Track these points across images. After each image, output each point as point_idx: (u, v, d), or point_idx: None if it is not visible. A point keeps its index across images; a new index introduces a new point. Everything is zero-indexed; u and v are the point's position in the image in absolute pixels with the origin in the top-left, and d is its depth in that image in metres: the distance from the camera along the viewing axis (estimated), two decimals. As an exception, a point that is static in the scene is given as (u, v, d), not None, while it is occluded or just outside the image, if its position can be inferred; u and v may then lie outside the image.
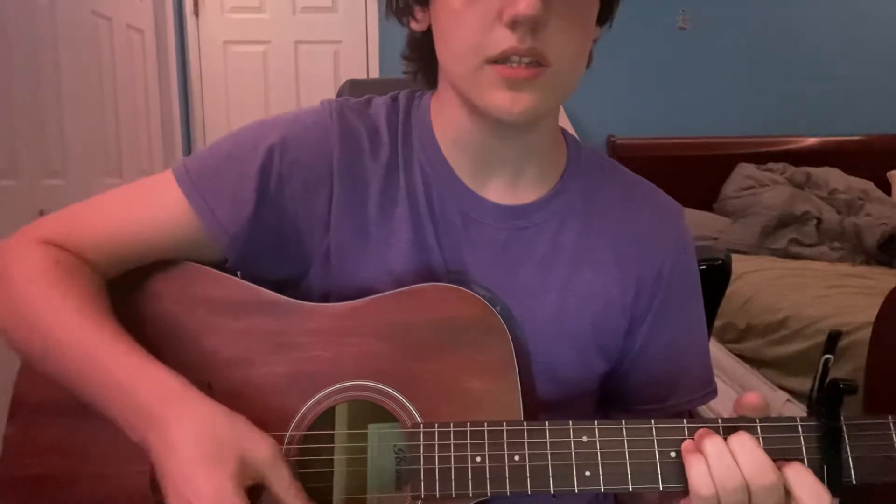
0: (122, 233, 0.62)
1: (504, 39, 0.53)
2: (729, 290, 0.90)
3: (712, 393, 0.69)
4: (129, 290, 0.62)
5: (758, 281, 1.93)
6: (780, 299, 1.74)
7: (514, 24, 0.52)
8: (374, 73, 3.10)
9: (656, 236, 0.66)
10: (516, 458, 0.52)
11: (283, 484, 0.50)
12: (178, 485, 0.48)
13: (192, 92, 3.15)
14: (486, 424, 0.53)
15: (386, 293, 0.59)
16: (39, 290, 0.56)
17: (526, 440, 0.52)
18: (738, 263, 1.89)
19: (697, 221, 2.67)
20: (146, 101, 2.80)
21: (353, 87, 1.01)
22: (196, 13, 3.11)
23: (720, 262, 0.87)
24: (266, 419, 0.54)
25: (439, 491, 0.52)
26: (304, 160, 0.61)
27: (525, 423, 0.53)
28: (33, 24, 2.06)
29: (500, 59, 0.54)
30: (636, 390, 0.68)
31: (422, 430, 0.53)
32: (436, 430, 0.53)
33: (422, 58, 0.65)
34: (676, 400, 0.67)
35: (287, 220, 0.61)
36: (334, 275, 0.62)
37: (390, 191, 0.62)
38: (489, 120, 0.59)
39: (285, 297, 0.60)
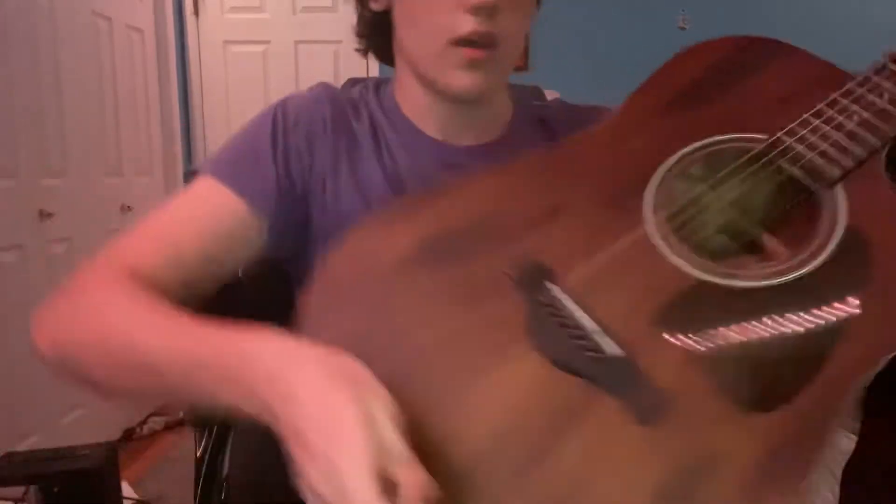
0: (184, 238, 0.63)
1: (466, 22, 0.59)
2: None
3: None
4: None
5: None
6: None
7: (475, 10, 0.58)
8: (374, 73, 3.10)
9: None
10: None
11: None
12: (318, 430, 0.39)
13: (192, 92, 3.15)
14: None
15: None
16: (123, 307, 0.56)
17: None
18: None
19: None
20: (146, 101, 2.80)
21: (354, 86, 1.01)
22: (196, 13, 3.11)
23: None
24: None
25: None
26: (304, 119, 0.67)
27: None
28: (33, 24, 2.06)
29: (462, 41, 0.60)
30: None
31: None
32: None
33: (376, 36, 0.71)
34: None
35: (303, 178, 0.66)
36: (329, 212, 0.67)
37: (377, 144, 0.68)
38: (447, 97, 0.65)
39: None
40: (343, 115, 0.69)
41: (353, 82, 0.78)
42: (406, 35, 0.65)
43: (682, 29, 3.04)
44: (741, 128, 0.55)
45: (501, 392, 0.44)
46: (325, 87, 0.71)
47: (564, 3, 2.92)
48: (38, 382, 2.06)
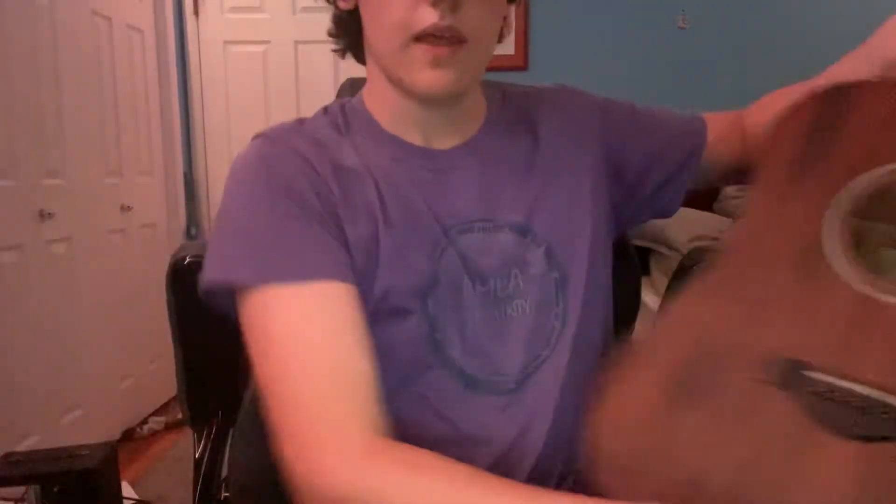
0: (338, 371, 0.54)
1: (427, 16, 0.56)
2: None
3: (700, 118, 0.81)
4: None
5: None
6: (780, 299, 1.74)
7: (435, 2, 0.56)
8: (374, 73, 3.10)
9: (575, 104, 0.75)
10: None
11: None
12: None
13: (192, 92, 3.15)
14: None
15: None
16: (436, 494, 0.49)
17: None
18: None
19: (698, 221, 2.67)
20: (146, 101, 2.80)
21: (354, 86, 1.01)
22: (196, 13, 3.11)
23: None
24: None
25: None
26: (290, 169, 0.62)
27: None
28: (33, 24, 2.06)
29: (423, 36, 0.58)
30: (667, 172, 0.76)
31: None
32: None
33: (349, 35, 0.69)
34: (696, 153, 0.77)
35: (333, 211, 0.62)
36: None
37: (364, 181, 0.63)
38: (415, 97, 0.63)
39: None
40: (316, 148, 0.64)
41: (353, 82, 0.78)
42: (371, 33, 0.63)
43: (682, 29, 3.04)
44: (873, 162, 0.57)
45: (830, 493, 0.43)
46: (270, 141, 0.64)
47: (564, 2, 2.92)
48: (38, 382, 2.06)
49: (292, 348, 0.55)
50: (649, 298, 1.82)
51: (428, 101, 0.64)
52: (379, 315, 0.60)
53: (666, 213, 0.79)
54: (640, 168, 0.75)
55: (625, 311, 0.86)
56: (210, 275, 0.58)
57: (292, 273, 0.56)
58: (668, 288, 0.92)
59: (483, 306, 0.64)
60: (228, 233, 0.60)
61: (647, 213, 0.79)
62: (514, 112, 0.72)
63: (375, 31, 0.61)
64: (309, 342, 0.55)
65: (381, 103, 0.67)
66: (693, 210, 2.70)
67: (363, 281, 0.60)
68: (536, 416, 0.64)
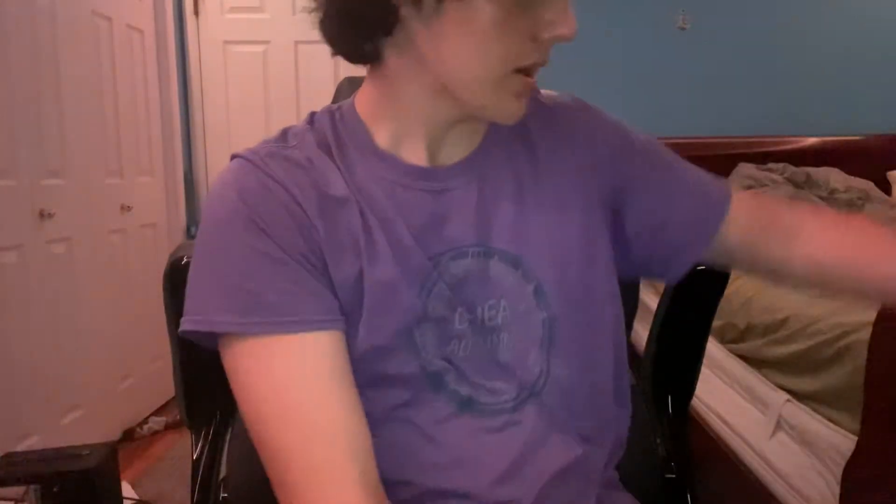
0: (336, 421, 0.54)
1: (535, 52, 0.56)
2: (729, 290, 0.90)
3: (727, 196, 0.71)
4: None
5: (758, 281, 1.93)
6: (780, 299, 1.74)
7: (544, 45, 0.56)
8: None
9: (583, 128, 0.69)
10: None
11: None
12: None
13: (192, 92, 3.15)
14: None
15: None
16: None
17: None
18: (738, 263, 1.89)
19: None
20: (146, 101, 2.80)
21: (352, 85, 1.00)
22: (196, 13, 3.11)
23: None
24: None
25: None
26: (268, 203, 0.57)
27: None
28: (33, 24, 2.06)
29: (524, 70, 0.57)
30: (673, 242, 0.70)
31: None
32: None
33: (358, 40, 0.61)
34: (710, 228, 0.69)
35: (318, 252, 0.58)
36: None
37: (350, 211, 0.59)
38: (493, 122, 0.61)
39: None
40: (300, 173, 0.60)
41: (350, 81, 0.76)
42: (458, 59, 0.56)
43: (683, 29, 3.04)
44: None
45: None
46: (250, 169, 0.59)
47: (564, 2, 2.92)
48: (38, 382, 2.06)
49: (279, 404, 0.53)
50: (649, 298, 1.82)
51: (497, 124, 0.61)
52: (365, 352, 0.58)
53: (664, 280, 0.75)
54: (639, 229, 0.70)
55: (624, 310, 0.86)
56: (190, 323, 0.56)
57: (277, 325, 0.54)
58: (668, 288, 0.92)
59: (472, 333, 0.62)
60: (207, 274, 0.56)
61: (641, 273, 0.74)
62: (515, 128, 0.67)
63: (470, 59, 0.56)
64: (297, 400, 0.53)
65: (381, 118, 0.63)
66: (693, 210, 2.69)
67: (348, 321, 0.58)
68: (536, 438, 0.62)
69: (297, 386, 0.53)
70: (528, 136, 0.67)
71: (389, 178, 0.61)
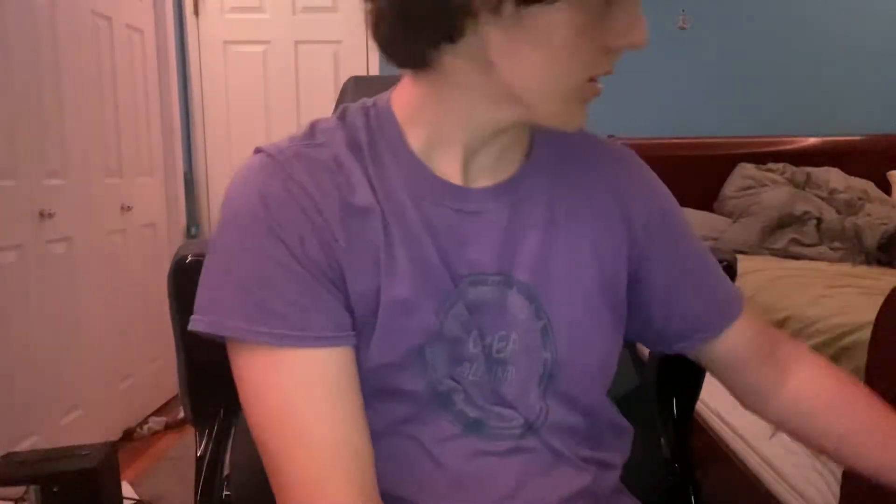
0: (340, 438, 0.53)
1: (607, 62, 0.56)
2: (729, 290, 0.90)
3: (739, 303, 0.71)
4: None
5: (758, 281, 1.93)
6: (780, 299, 1.74)
7: (614, 56, 0.56)
8: (375, 73, 3.10)
9: (629, 182, 0.69)
10: None
11: None
12: None
13: (192, 92, 3.15)
14: None
15: None
16: None
17: None
18: (739, 263, 1.89)
19: (697, 221, 2.67)
20: (146, 101, 2.80)
21: (358, 84, 1.00)
22: (196, 13, 3.11)
23: (726, 263, 0.86)
24: None
25: None
26: (292, 207, 0.56)
27: None
28: (33, 24, 2.06)
29: (593, 79, 0.56)
30: (674, 326, 0.70)
31: None
32: None
33: (419, 42, 0.58)
34: (710, 330, 0.70)
35: (337, 264, 0.57)
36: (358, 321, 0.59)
37: (373, 222, 0.58)
38: (561, 129, 0.60)
39: None
40: (325, 177, 0.58)
41: (356, 80, 0.75)
42: (532, 69, 0.55)
43: (682, 29, 3.04)
44: None
45: None
46: (273, 169, 0.57)
47: (564, 3, 2.92)
48: (38, 382, 2.06)
49: (282, 414, 0.53)
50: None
51: (562, 131, 0.60)
52: (374, 367, 0.58)
53: (647, 346, 0.75)
54: (647, 299, 0.69)
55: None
56: (200, 324, 0.55)
57: (285, 337, 0.53)
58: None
59: (484, 359, 0.61)
60: (222, 273, 0.56)
61: (631, 336, 0.73)
62: (557, 157, 0.66)
63: (548, 68, 0.55)
64: (302, 414, 0.53)
65: (419, 121, 0.61)
66: (693, 210, 2.70)
67: (361, 336, 0.57)
68: (541, 466, 0.62)
69: (301, 399, 0.53)
70: (571, 172, 0.66)
71: (420, 190, 0.60)
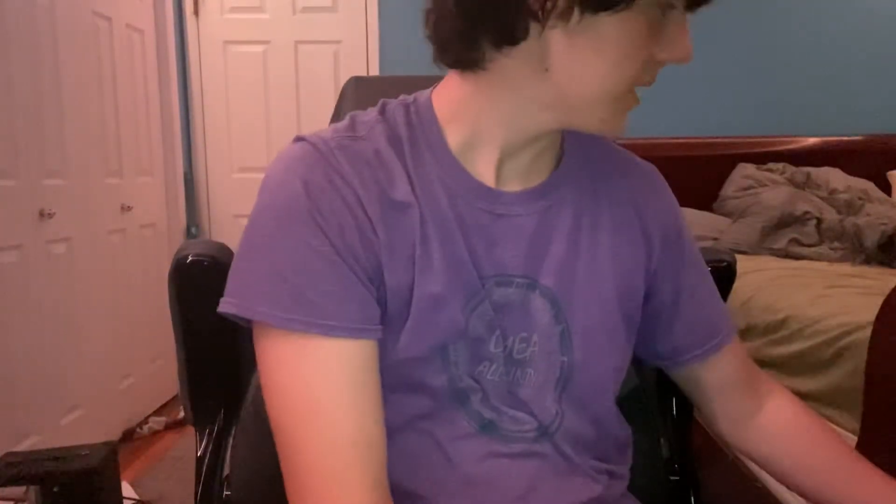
0: (358, 429, 0.54)
1: (651, 73, 0.58)
2: (729, 291, 0.90)
3: (732, 329, 0.74)
4: None
5: (758, 281, 1.93)
6: (780, 299, 1.74)
7: (656, 68, 0.58)
8: (374, 73, 3.10)
9: (651, 198, 0.70)
10: None
11: None
12: None
13: (192, 92, 3.15)
14: None
15: None
16: None
17: None
18: (738, 263, 1.89)
19: (697, 221, 2.67)
20: (146, 101, 2.80)
21: (358, 85, 1.00)
22: (196, 13, 3.11)
23: (725, 263, 0.86)
24: None
25: None
26: (335, 197, 0.56)
27: None
28: (33, 24, 2.06)
29: (635, 88, 0.58)
30: (673, 341, 0.72)
31: None
32: None
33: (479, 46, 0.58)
34: (710, 343, 0.72)
35: (375, 256, 0.58)
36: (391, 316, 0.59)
37: (411, 217, 0.59)
38: (602, 135, 0.61)
39: None
40: (367, 171, 0.58)
41: (357, 81, 0.75)
42: (588, 75, 0.56)
43: (682, 29, 3.04)
44: None
45: None
46: (315, 160, 0.57)
47: (564, 3, 2.91)
48: (38, 382, 2.06)
49: (303, 401, 0.54)
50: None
51: (607, 138, 0.62)
52: (400, 361, 0.59)
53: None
54: (658, 318, 0.71)
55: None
56: (231, 307, 0.56)
57: (316, 326, 0.54)
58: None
59: (504, 360, 0.62)
60: (257, 258, 0.56)
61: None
62: (585, 167, 0.67)
63: (602, 74, 0.55)
64: (325, 403, 0.53)
65: (459, 121, 0.61)
66: (693, 210, 2.70)
67: (390, 329, 0.58)
68: (553, 471, 0.63)
69: (323, 388, 0.53)
70: (597, 182, 0.68)
71: (455, 188, 0.61)
